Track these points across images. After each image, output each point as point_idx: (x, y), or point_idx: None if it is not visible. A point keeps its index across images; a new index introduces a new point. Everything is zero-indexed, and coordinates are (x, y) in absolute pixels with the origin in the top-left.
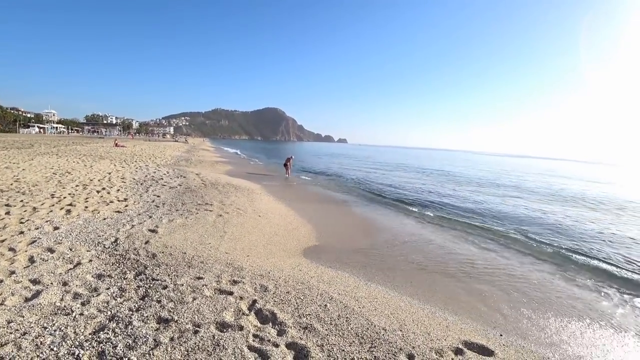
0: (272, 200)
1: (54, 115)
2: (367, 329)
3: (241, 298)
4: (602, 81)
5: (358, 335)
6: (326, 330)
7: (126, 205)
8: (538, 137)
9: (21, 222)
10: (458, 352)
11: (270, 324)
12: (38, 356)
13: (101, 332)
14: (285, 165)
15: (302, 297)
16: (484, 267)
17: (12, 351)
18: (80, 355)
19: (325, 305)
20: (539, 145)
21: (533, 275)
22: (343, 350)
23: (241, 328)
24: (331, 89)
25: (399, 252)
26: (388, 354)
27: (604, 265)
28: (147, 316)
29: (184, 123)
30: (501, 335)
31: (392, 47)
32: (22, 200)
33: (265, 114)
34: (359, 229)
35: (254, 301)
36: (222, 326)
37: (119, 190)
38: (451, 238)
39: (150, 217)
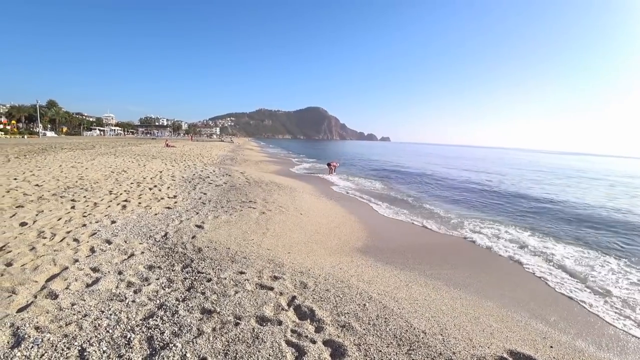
0: (315, 198)
1: (112, 118)
2: (406, 331)
3: (281, 294)
4: None
5: (396, 337)
6: (364, 329)
7: (175, 202)
8: (596, 132)
9: (84, 216)
10: None
11: (309, 320)
12: (96, 336)
13: (150, 319)
14: (329, 165)
15: (341, 296)
16: (540, 278)
17: (74, 330)
18: (132, 338)
19: (364, 305)
20: (596, 141)
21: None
22: (380, 350)
23: (280, 323)
24: (373, 86)
25: (442, 256)
26: (427, 357)
27: None
28: (192, 306)
29: (229, 123)
30: (551, 347)
31: (436, 40)
32: (85, 196)
33: (307, 113)
34: (402, 231)
35: (294, 297)
36: (262, 320)
37: (169, 187)
38: (504, 247)
39: (197, 213)
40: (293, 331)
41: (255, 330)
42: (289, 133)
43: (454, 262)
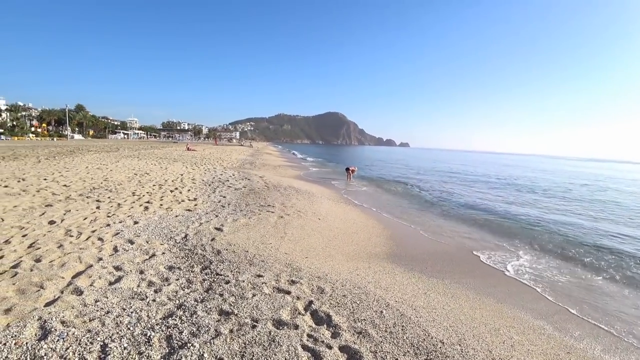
0: (333, 203)
1: (135, 122)
2: (424, 339)
3: (298, 298)
4: None
5: (413, 346)
6: (380, 337)
7: (195, 205)
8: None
9: (108, 216)
10: None
11: (325, 325)
12: (117, 333)
13: (170, 318)
14: (347, 169)
15: (358, 302)
16: (557, 287)
17: (97, 326)
18: (151, 336)
19: (381, 312)
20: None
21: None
22: (397, 359)
23: (296, 327)
24: (392, 91)
25: (461, 267)
26: None
27: None
28: (210, 307)
29: (249, 128)
30: None
31: (458, 43)
32: (109, 197)
33: (326, 118)
34: (420, 239)
35: (311, 302)
36: (279, 323)
37: (189, 190)
38: (534, 253)
39: (217, 216)
40: (309, 336)
41: (272, 334)
42: (307, 138)
43: (473, 272)
